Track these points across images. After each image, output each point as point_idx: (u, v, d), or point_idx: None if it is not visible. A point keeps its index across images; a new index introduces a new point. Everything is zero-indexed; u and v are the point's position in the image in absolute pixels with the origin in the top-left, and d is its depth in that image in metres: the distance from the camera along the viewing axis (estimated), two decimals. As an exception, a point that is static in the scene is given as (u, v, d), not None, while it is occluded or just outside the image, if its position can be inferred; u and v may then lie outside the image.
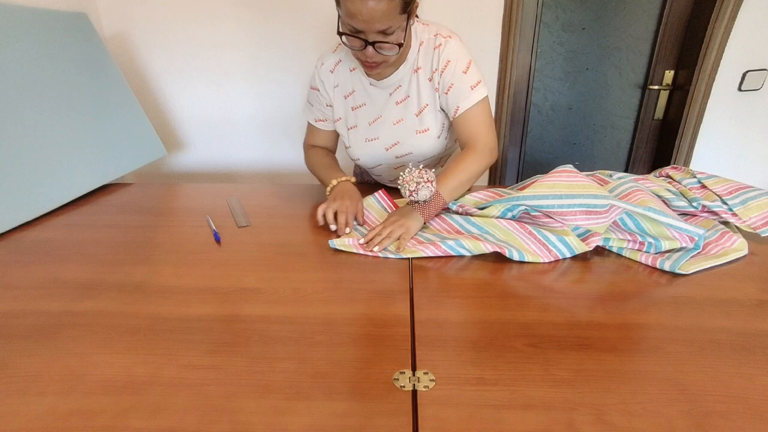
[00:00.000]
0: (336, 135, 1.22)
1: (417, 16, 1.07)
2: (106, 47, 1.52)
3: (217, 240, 0.98)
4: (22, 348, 0.66)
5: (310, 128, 1.22)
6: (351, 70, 1.09)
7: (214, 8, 1.79)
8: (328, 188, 1.09)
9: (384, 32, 0.89)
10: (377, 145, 1.13)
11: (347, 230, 0.98)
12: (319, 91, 1.13)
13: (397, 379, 0.59)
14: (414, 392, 0.58)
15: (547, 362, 0.62)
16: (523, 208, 0.93)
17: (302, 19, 1.80)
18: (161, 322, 0.71)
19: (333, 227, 0.99)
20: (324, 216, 1.00)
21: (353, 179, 1.11)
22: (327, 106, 1.15)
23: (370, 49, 0.91)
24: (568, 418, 0.54)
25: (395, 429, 0.52)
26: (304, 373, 0.61)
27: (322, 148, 1.22)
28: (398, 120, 1.10)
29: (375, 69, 0.99)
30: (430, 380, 0.59)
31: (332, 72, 1.11)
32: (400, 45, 0.93)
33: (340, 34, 0.92)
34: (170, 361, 0.63)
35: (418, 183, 0.92)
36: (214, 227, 1.03)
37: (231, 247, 0.96)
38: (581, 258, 0.89)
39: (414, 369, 0.61)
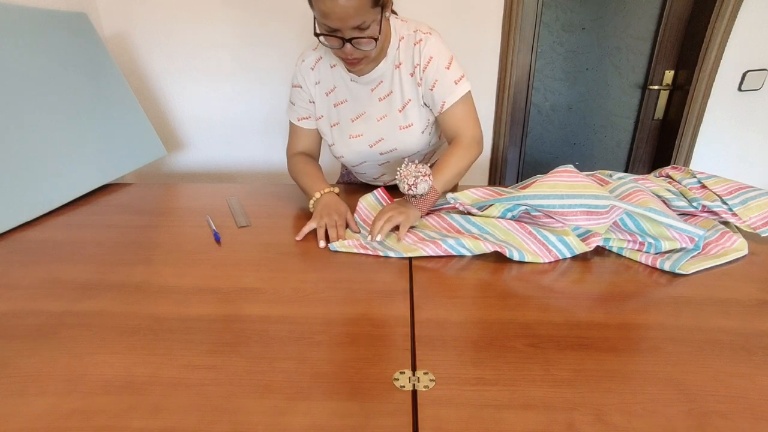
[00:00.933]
0: (317, 140, 1.21)
1: (395, 12, 1.08)
2: (106, 47, 1.52)
3: (217, 240, 0.98)
4: (22, 348, 0.66)
5: (293, 130, 1.19)
6: (332, 67, 1.09)
7: (214, 8, 1.79)
8: (312, 201, 1.06)
9: (359, 28, 0.89)
10: (361, 142, 1.13)
11: (332, 246, 0.94)
12: (301, 87, 1.13)
13: (397, 379, 0.59)
14: (414, 392, 0.58)
15: (547, 362, 0.62)
16: (523, 208, 0.93)
17: (301, 19, 1.80)
18: (161, 322, 0.71)
19: (322, 244, 0.94)
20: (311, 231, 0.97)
21: (336, 190, 1.08)
22: (310, 102, 1.14)
23: (348, 46, 0.92)
24: (568, 418, 0.54)
25: (395, 429, 0.52)
26: (304, 373, 0.61)
27: (305, 155, 1.19)
28: (382, 116, 1.10)
29: (356, 65, 0.99)
30: (430, 380, 0.59)
31: (313, 69, 1.11)
32: (375, 39, 0.93)
33: (317, 35, 0.93)
34: (170, 361, 0.63)
35: (416, 177, 0.92)
36: (214, 227, 1.03)
37: (231, 247, 0.96)
38: (581, 258, 0.89)
39: (414, 369, 0.61)
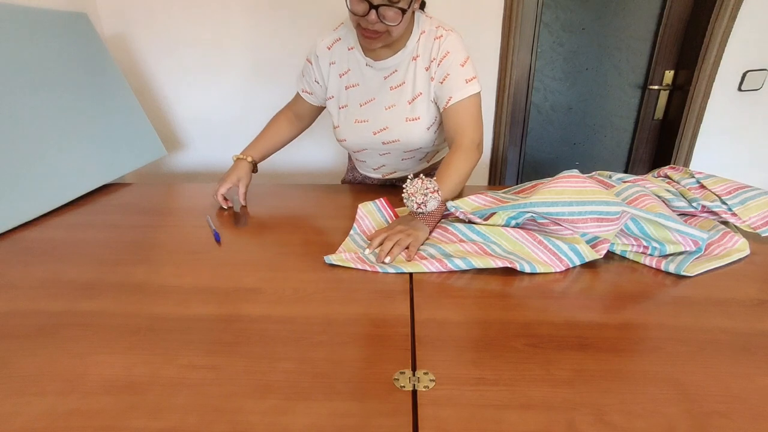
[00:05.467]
0: (312, 112, 1.26)
1: (424, 5, 1.09)
2: (106, 47, 1.52)
3: (217, 240, 0.98)
4: (22, 348, 0.66)
5: (296, 96, 1.26)
6: (349, 49, 1.10)
7: (214, 8, 1.78)
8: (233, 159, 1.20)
9: None
10: (366, 128, 1.14)
11: (227, 205, 1.14)
12: (312, 65, 1.15)
13: (397, 379, 0.59)
14: (414, 392, 0.58)
15: (547, 362, 0.62)
16: (528, 215, 0.90)
17: (302, 18, 1.80)
18: (161, 322, 0.71)
19: (219, 198, 1.13)
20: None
21: (250, 158, 1.20)
22: (315, 81, 1.16)
23: (373, 13, 0.92)
24: (568, 418, 0.54)
25: (395, 429, 0.52)
26: (304, 373, 0.61)
27: (286, 117, 1.28)
28: (390, 105, 1.10)
29: (373, 41, 0.98)
30: (430, 380, 0.59)
31: (329, 48, 1.12)
32: (403, 12, 0.93)
33: None
34: (170, 361, 0.63)
35: (425, 195, 0.89)
36: (214, 227, 1.03)
37: (231, 247, 0.96)
38: (582, 258, 0.89)
39: (414, 369, 0.61)
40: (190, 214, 1.13)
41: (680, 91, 1.95)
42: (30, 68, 1.22)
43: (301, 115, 1.27)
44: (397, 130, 1.12)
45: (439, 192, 0.91)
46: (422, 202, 0.89)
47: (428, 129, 1.11)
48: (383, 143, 1.15)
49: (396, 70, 1.08)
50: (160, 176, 2.10)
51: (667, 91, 2.00)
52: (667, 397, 0.56)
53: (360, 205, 1.04)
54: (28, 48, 1.23)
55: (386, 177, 1.31)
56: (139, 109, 1.53)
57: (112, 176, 1.34)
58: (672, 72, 1.96)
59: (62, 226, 1.08)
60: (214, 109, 1.97)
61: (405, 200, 0.91)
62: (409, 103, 1.09)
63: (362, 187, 1.33)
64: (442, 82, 1.05)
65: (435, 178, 0.98)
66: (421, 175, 0.94)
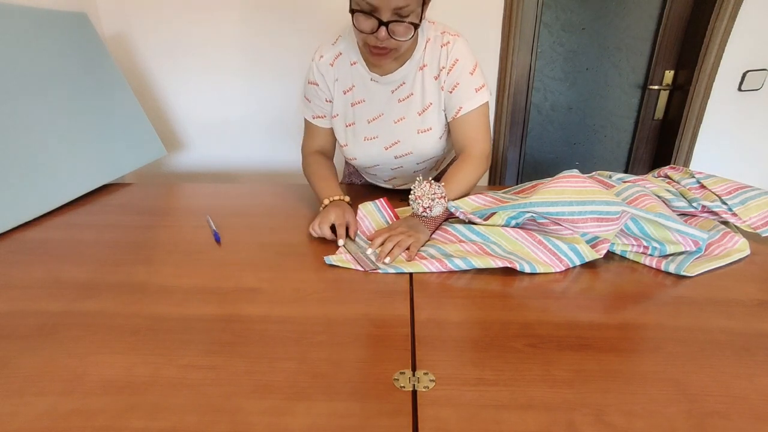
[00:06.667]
0: (333, 137, 1.17)
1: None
2: (106, 47, 1.52)
3: (217, 240, 0.98)
4: (22, 348, 0.66)
5: (309, 127, 1.15)
6: (351, 64, 1.05)
7: (214, 8, 1.79)
8: (322, 207, 1.02)
9: (399, 13, 0.85)
10: (376, 144, 1.10)
11: (340, 242, 0.92)
12: (318, 85, 1.08)
13: (397, 380, 0.59)
14: (414, 392, 0.58)
15: (547, 362, 0.62)
16: (528, 215, 0.90)
17: (303, 18, 1.80)
18: (161, 322, 0.71)
19: (340, 242, 0.92)
20: (319, 230, 0.95)
21: (347, 198, 1.03)
22: (326, 101, 1.10)
23: (383, 30, 0.86)
24: (568, 418, 0.54)
25: (395, 429, 0.52)
26: (304, 373, 0.61)
27: (321, 155, 1.15)
28: (399, 118, 1.07)
29: (383, 58, 0.94)
30: (430, 380, 0.59)
31: (332, 65, 1.06)
32: (415, 26, 0.88)
33: (352, 11, 0.88)
34: (170, 361, 0.63)
35: (432, 199, 0.89)
36: (214, 227, 1.03)
37: (231, 247, 0.96)
38: (582, 258, 0.89)
39: (414, 369, 0.61)
40: (190, 214, 1.13)
41: (680, 91, 1.95)
42: (30, 68, 1.22)
43: (325, 148, 1.17)
44: (409, 143, 1.08)
45: (446, 198, 0.91)
46: (428, 207, 0.89)
47: (440, 138, 1.09)
48: (395, 157, 1.12)
49: (403, 83, 1.04)
50: (160, 176, 2.10)
51: (667, 91, 2.00)
52: (667, 397, 0.56)
53: (360, 206, 1.04)
54: (28, 48, 1.23)
55: (397, 187, 1.29)
56: (139, 109, 1.53)
57: (112, 176, 1.34)
58: (672, 72, 1.96)
59: (62, 226, 1.08)
60: (214, 108, 1.97)
61: (411, 203, 0.91)
62: (420, 115, 1.06)
63: (362, 187, 1.33)
64: (451, 92, 1.02)
65: (442, 183, 0.96)
66: (430, 179, 0.93)
